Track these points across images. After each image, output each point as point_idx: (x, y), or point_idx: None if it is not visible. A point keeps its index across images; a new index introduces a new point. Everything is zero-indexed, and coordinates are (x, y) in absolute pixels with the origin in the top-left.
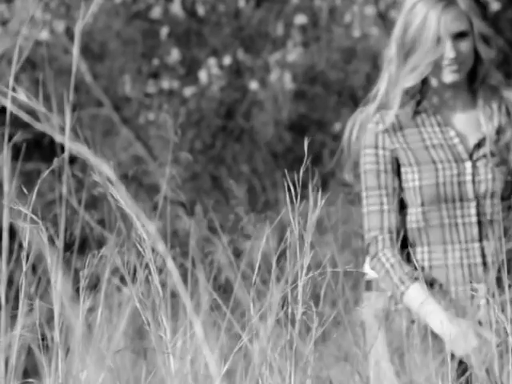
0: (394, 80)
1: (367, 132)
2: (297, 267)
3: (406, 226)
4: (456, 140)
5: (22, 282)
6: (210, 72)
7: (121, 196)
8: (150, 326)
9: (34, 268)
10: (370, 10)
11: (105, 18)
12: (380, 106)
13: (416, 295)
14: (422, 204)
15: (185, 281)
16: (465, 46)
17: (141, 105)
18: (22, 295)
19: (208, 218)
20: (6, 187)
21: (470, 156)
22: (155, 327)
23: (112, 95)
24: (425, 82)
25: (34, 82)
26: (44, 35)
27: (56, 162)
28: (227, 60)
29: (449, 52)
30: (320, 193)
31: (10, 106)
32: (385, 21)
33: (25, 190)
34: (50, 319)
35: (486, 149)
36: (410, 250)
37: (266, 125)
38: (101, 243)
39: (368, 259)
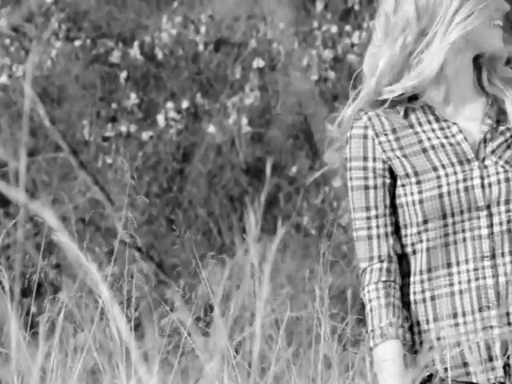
0: (412, 49)
1: (353, 139)
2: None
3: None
4: (460, 136)
5: None
6: (168, 116)
7: (66, 242)
8: (106, 370)
9: None
10: (327, 54)
11: (64, 62)
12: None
13: (379, 357)
14: (425, 222)
15: (140, 325)
16: None
17: (99, 149)
18: None
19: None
20: None
21: (477, 154)
22: (110, 372)
23: (70, 139)
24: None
25: None
26: (3, 79)
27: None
28: (185, 104)
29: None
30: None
31: None
32: (342, 64)
33: None
34: (7, 364)
35: (494, 143)
36: (407, 279)
37: (222, 168)
38: (57, 288)
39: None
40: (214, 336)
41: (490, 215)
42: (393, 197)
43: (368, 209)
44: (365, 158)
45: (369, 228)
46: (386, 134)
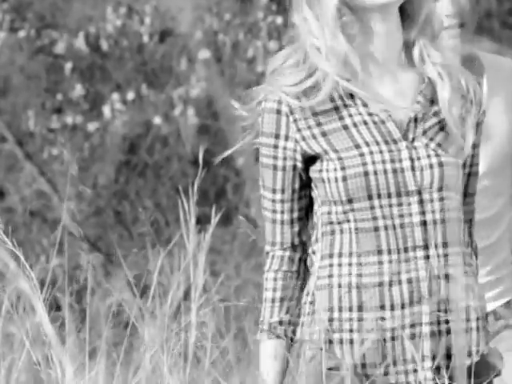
0: None
1: (266, 113)
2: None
3: (322, 229)
4: (383, 115)
5: None
6: (114, 107)
7: None
8: (39, 362)
9: None
10: (272, 45)
11: (8, 53)
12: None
13: (262, 353)
14: (350, 201)
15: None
16: None
17: (44, 140)
18: None
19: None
20: None
21: (405, 134)
22: (46, 366)
23: (15, 130)
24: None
25: None
26: None
27: None
28: (131, 95)
29: None
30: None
31: None
32: None
33: None
34: None
35: (426, 124)
36: (335, 260)
37: (169, 160)
38: None
39: None
40: (153, 327)
41: (422, 202)
42: (307, 173)
43: (274, 191)
44: (276, 136)
45: (274, 212)
46: (302, 110)
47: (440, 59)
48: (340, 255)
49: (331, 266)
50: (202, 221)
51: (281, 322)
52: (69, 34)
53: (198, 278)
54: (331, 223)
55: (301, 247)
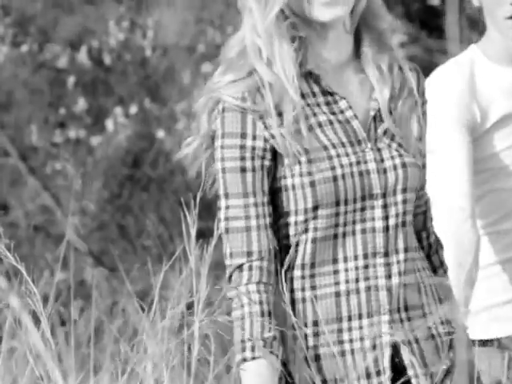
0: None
1: (227, 113)
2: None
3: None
4: (349, 113)
5: None
6: (117, 121)
7: None
8: (44, 379)
9: None
10: None
11: (11, 67)
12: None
13: (254, 372)
14: (315, 208)
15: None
16: None
17: (47, 154)
18: None
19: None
20: None
21: (368, 135)
22: (49, 381)
23: (18, 145)
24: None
25: None
26: None
27: None
28: (134, 109)
29: None
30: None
31: None
32: None
33: None
34: None
35: (385, 123)
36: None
37: (173, 173)
38: None
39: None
40: (155, 340)
41: (386, 206)
42: (272, 180)
43: (246, 195)
44: (243, 135)
45: (247, 218)
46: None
47: (379, 63)
48: (293, 268)
49: (278, 282)
50: (206, 234)
51: (275, 338)
52: (71, 48)
53: (200, 291)
54: (287, 237)
55: (273, 255)
